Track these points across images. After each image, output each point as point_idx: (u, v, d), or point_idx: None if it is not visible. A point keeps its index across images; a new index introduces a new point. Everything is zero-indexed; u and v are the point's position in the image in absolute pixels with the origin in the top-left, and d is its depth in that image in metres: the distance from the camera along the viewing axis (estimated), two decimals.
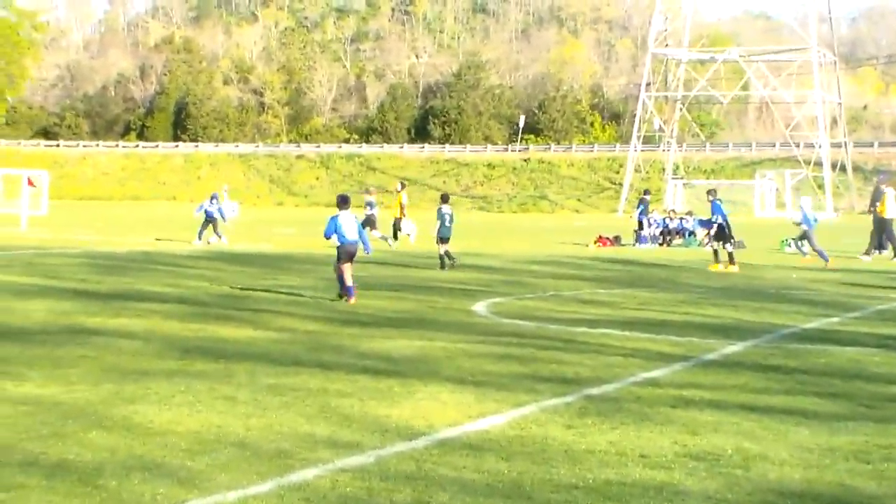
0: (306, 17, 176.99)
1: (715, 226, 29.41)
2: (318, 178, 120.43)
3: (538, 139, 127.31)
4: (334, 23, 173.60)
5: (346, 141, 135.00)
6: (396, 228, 41.35)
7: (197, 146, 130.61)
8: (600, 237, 42.26)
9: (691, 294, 22.58)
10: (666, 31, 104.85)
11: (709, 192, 31.00)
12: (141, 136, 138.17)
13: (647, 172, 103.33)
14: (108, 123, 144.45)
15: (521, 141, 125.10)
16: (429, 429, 9.24)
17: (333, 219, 19.58)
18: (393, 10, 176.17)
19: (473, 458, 8.22)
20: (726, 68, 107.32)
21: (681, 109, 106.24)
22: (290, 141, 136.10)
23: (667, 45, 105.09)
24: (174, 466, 7.84)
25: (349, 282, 19.36)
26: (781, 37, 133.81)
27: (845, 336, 15.59)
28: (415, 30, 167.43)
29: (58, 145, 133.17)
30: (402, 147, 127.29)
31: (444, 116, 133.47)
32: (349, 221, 19.61)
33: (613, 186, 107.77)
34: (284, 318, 16.86)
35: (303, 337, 14.90)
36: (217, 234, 37.14)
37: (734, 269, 28.53)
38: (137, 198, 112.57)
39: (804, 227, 31.84)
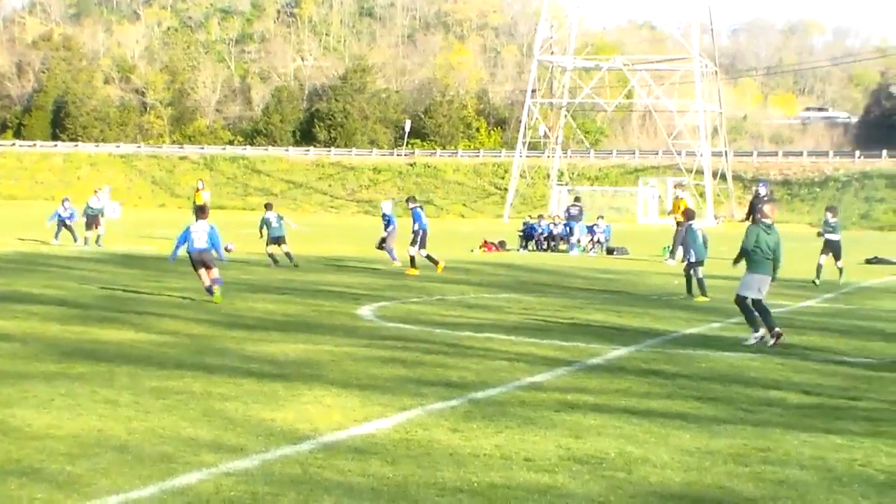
0: (190, 17, 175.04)
1: (420, 233, 29.09)
2: (203, 180, 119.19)
3: (424, 144, 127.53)
4: (219, 23, 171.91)
5: (231, 143, 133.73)
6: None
7: (77, 146, 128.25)
8: (485, 242, 42.49)
9: (576, 299, 22.81)
10: (552, 38, 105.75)
11: (407, 200, 31.09)
12: (18, 135, 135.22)
13: (532, 178, 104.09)
14: None
15: (406, 145, 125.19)
16: (313, 432, 9.20)
17: (186, 229, 20.48)
18: (278, 12, 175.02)
19: (359, 462, 8.20)
20: (611, 76, 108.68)
21: (566, 116, 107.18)
22: (173, 142, 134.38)
23: (552, 52, 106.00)
24: (53, 471, 7.69)
25: (206, 283, 20.02)
26: (665, 47, 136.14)
27: (726, 341, 15.89)
28: (300, 32, 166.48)
29: None
30: (287, 150, 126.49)
31: (330, 119, 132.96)
32: (200, 230, 20.26)
33: (499, 192, 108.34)
34: (168, 321, 16.65)
35: (186, 340, 14.73)
36: (74, 237, 36.92)
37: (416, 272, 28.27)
38: (13, 197, 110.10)
39: None
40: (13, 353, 13.01)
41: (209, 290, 19.96)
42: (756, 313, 15.84)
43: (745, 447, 9.07)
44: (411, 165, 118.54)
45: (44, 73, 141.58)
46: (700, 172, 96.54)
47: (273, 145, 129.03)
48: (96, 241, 36.30)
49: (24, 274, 24.43)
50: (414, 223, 29.36)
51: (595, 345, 15.29)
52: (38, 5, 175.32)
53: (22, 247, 33.89)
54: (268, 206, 31.33)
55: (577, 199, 47.18)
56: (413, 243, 29.05)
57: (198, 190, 43.71)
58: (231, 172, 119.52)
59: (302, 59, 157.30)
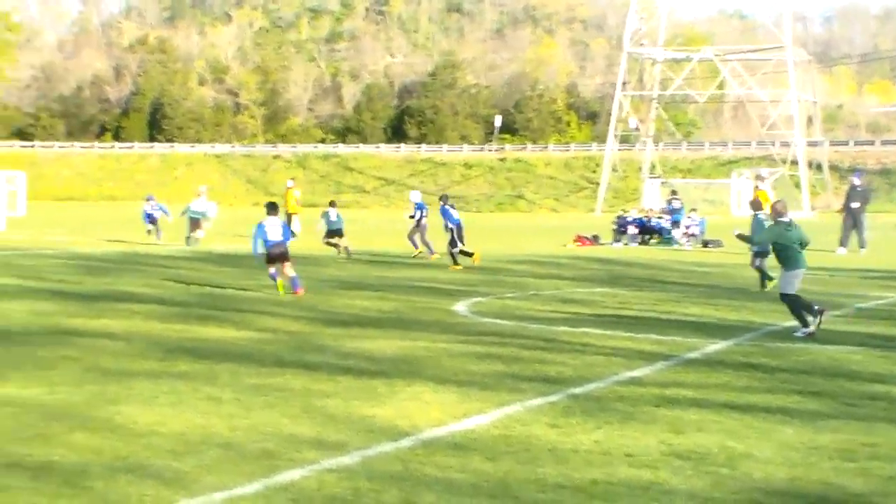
0: (280, 18, 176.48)
1: (454, 230, 29.11)
2: (294, 178, 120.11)
3: (514, 139, 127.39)
4: (309, 23, 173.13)
5: (322, 141, 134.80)
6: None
7: (173, 146, 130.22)
8: (578, 236, 42.32)
9: (672, 293, 22.64)
10: (641, 30, 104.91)
11: (440, 198, 30.95)
12: (116, 137, 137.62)
13: (623, 172, 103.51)
14: (83, 124, 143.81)
15: (497, 140, 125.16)
16: (413, 429, 9.24)
17: (260, 225, 20.92)
18: (367, 9, 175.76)
19: (459, 458, 8.22)
20: (702, 67, 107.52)
21: (657, 108, 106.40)
22: (267, 141, 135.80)
23: (642, 44, 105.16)
24: (160, 467, 7.82)
25: (278, 277, 20.63)
26: (756, 36, 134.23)
27: (826, 334, 15.66)
28: (389, 29, 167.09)
29: (33, 146, 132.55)
30: (378, 147, 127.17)
31: (420, 116, 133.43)
32: (274, 225, 20.92)
33: (590, 186, 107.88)
34: (267, 319, 16.84)
35: (285, 337, 14.88)
36: (157, 234, 37.33)
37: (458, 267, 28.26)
38: (113, 198, 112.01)
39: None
40: (118, 351, 13.25)
41: (273, 277, 20.60)
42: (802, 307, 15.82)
43: (851, 442, 8.94)
44: (502, 161, 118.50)
45: (140, 75, 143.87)
46: (795, 163, 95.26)
47: (364, 143, 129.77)
48: (186, 242, 36.08)
49: (126, 273, 24.85)
50: (446, 222, 29.46)
51: (693, 339, 15.17)
52: (134, 9, 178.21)
53: (123, 247, 34.44)
54: (332, 204, 33.90)
55: (673, 192, 46.72)
56: (451, 243, 29.16)
57: (288, 188, 43.99)
58: (324, 170, 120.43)
59: (391, 56, 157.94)
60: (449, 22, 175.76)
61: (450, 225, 29.29)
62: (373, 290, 21.80)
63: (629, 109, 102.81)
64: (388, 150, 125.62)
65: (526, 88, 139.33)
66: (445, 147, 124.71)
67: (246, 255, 31.62)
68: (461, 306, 19.02)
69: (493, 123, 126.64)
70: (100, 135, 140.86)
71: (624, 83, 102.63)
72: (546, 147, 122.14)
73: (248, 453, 8.27)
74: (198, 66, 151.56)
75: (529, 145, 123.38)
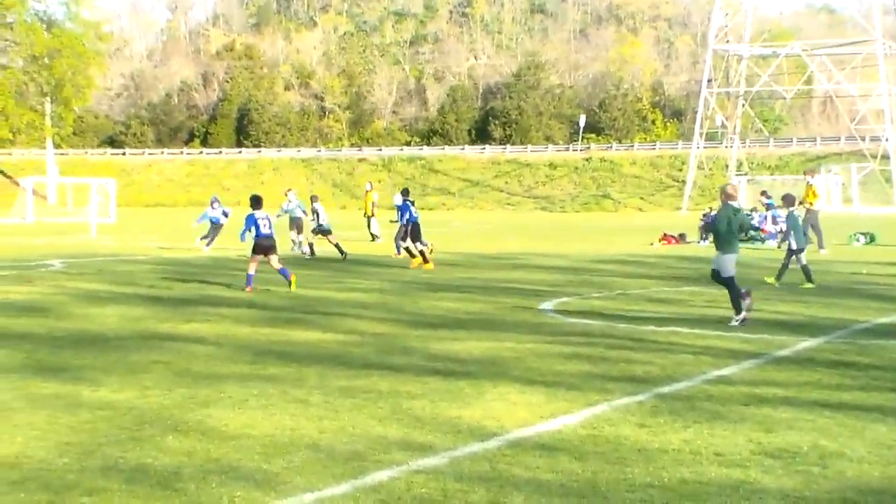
0: (365, 22, 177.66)
1: (409, 225, 29.14)
2: (380, 181, 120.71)
3: (599, 138, 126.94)
4: (393, 26, 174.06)
5: (408, 144, 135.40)
6: (369, 226, 43.19)
7: (260, 151, 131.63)
8: (665, 235, 42.03)
9: (761, 290, 22.36)
10: (726, 26, 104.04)
11: (403, 192, 31.17)
12: (205, 143, 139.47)
13: (710, 169, 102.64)
14: (172, 131, 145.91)
15: (582, 140, 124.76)
16: (500, 429, 9.24)
17: (251, 216, 22.44)
18: (451, 12, 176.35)
19: (547, 459, 8.21)
20: (789, 63, 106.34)
21: (743, 105, 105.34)
22: (352, 145, 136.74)
23: (728, 41, 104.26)
24: (251, 469, 7.90)
25: (251, 272, 22.16)
26: (845, 30, 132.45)
27: None
28: (473, 31, 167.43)
29: (124, 153, 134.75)
30: (463, 149, 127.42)
31: (505, 117, 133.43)
32: (263, 219, 22.41)
33: (676, 184, 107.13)
34: (353, 321, 16.94)
35: (372, 339, 14.95)
36: (210, 239, 35.83)
37: (430, 266, 28.12)
38: (203, 204, 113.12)
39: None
40: (208, 355, 13.41)
41: (249, 278, 22.05)
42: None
43: None
44: (587, 160, 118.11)
45: (227, 82, 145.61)
46: (886, 157, 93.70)
47: (449, 145, 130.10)
48: (299, 247, 35.39)
49: (214, 278, 25.14)
50: (403, 216, 29.74)
51: (782, 336, 14.99)
52: (220, 17, 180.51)
53: (211, 251, 34.82)
54: (313, 199, 35.42)
55: (763, 192, 45.97)
56: (404, 237, 29.48)
57: (367, 192, 44.29)
58: (409, 173, 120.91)
59: (475, 57, 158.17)
60: (532, 22, 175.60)
61: (408, 220, 29.42)
62: (459, 292, 21.84)
63: (715, 107, 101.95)
64: (472, 152, 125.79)
65: (610, 87, 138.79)
66: (530, 148, 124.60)
67: (331, 258, 31.90)
68: (547, 306, 18.98)
69: (577, 123, 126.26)
70: (188, 141, 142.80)
71: (709, 80, 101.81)
72: (631, 146, 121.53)
73: (337, 455, 8.32)
74: (283, 72, 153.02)
75: (615, 144, 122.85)
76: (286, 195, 36.79)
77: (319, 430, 9.16)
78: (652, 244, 40.58)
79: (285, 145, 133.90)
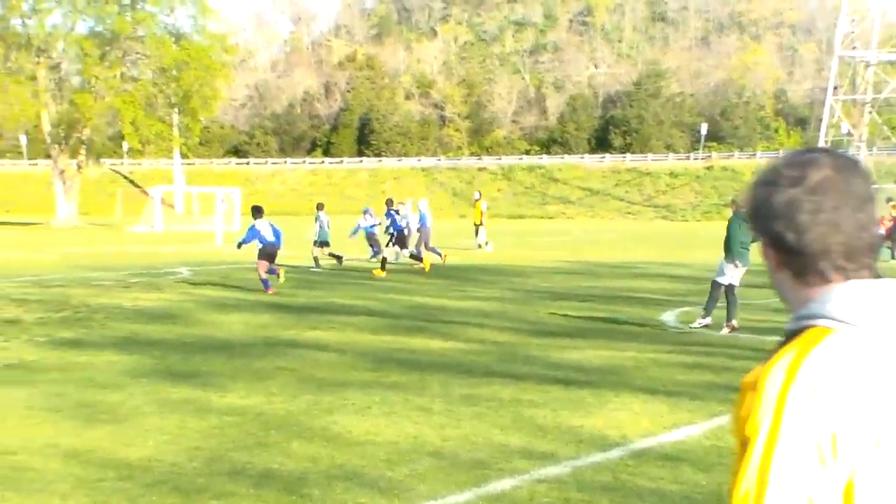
0: (485, 31, 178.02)
1: (396, 234, 31.14)
2: (499, 190, 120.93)
3: (721, 146, 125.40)
4: (513, 35, 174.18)
5: (527, 152, 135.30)
6: (476, 234, 43.44)
7: (381, 161, 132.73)
8: None
9: None
10: (853, 33, 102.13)
11: (386, 202, 33.45)
12: (326, 153, 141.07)
13: None
14: (295, 140, 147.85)
15: (703, 149, 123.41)
16: (623, 439, 9.23)
17: (252, 227, 24.25)
18: (571, 21, 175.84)
19: (670, 469, 8.17)
20: None
21: (870, 112, 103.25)
22: (472, 154, 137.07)
23: (854, 47, 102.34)
24: (374, 476, 8.01)
25: (264, 276, 23.82)
26: None
27: None
28: (593, 40, 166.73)
29: (248, 163, 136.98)
30: (582, 157, 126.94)
31: (625, 125, 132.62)
32: (265, 227, 24.16)
33: None
34: (474, 329, 17.01)
35: (493, 347, 15.01)
36: (374, 249, 35.32)
37: (383, 274, 28.79)
38: (327, 213, 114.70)
39: None
40: (331, 362, 13.59)
41: (266, 283, 23.69)
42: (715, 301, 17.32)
43: None
44: (708, 169, 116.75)
45: (349, 92, 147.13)
46: None
47: (569, 153, 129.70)
48: (396, 257, 35.73)
49: (337, 286, 25.44)
50: (390, 226, 31.66)
51: None
52: (342, 28, 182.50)
53: (333, 260, 35.21)
54: (319, 206, 34.48)
55: (888, 199, 44.96)
56: (394, 244, 31.37)
57: (476, 201, 44.67)
58: (528, 182, 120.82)
59: (595, 66, 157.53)
60: (653, 31, 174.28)
61: (392, 230, 31.38)
62: (579, 300, 21.79)
63: (840, 114, 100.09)
64: (592, 161, 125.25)
65: (732, 95, 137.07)
66: (650, 156, 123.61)
67: (452, 266, 32.04)
68: (669, 316, 18.86)
69: (698, 131, 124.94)
70: (310, 150, 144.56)
71: (835, 87, 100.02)
72: (754, 154, 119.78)
73: (460, 463, 8.39)
74: (404, 82, 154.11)
75: (736, 153, 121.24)
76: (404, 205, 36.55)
77: (442, 438, 9.24)
78: None
79: (406, 154, 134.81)
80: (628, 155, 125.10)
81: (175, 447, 8.93)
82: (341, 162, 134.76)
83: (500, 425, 9.79)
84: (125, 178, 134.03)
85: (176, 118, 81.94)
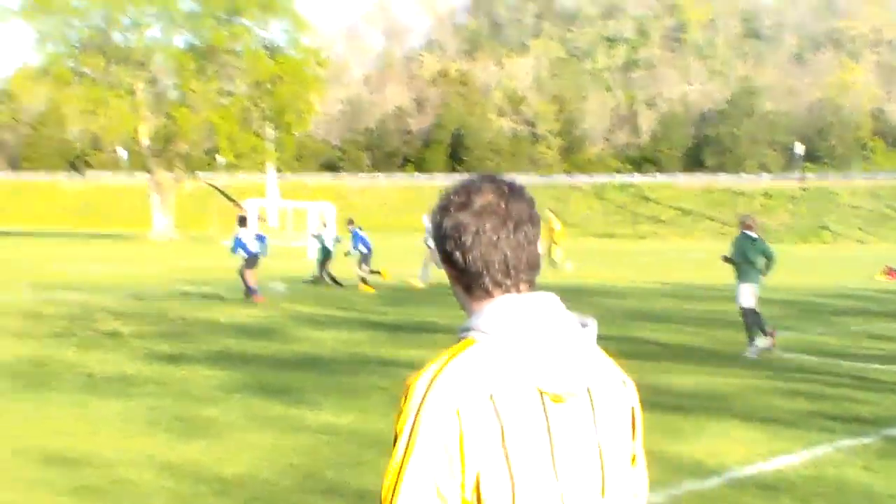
0: (576, 47, 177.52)
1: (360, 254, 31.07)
2: (591, 208, 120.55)
3: (817, 166, 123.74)
4: (605, 52, 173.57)
5: (619, 171, 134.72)
6: (549, 254, 42.92)
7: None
8: (889, 268, 40.62)
9: None
10: None
11: (348, 222, 33.27)
12: (418, 168, 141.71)
13: None
14: (387, 155, 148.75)
15: (799, 169, 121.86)
16: (720, 467, 9.11)
17: (237, 237, 26.17)
18: (663, 37, 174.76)
19: (768, 499, 8.07)
20: None
21: None
22: (563, 171, 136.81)
23: None
24: None
25: (252, 284, 25.65)
26: None
27: None
28: (686, 57, 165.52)
29: (340, 177, 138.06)
30: (675, 176, 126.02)
31: (718, 144, 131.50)
32: (249, 237, 26.14)
33: None
34: None
35: None
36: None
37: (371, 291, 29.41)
38: (417, 228, 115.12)
39: None
40: None
41: (254, 292, 25.52)
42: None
43: None
44: (804, 190, 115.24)
45: (441, 107, 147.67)
46: None
47: (661, 172, 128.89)
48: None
49: (428, 304, 25.48)
50: (357, 244, 31.41)
51: None
52: (434, 43, 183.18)
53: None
54: (350, 222, 33.22)
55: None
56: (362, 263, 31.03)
57: (548, 220, 45.20)
58: (620, 200, 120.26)
59: (688, 83, 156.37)
60: (747, 48, 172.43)
61: (363, 249, 31.21)
62: (672, 322, 21.60)
63: None
64: (685, 180, 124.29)
65: (828, 114, 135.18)
66: (744, 176, 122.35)
67: (543, 286, 31.90)
68: (765, 341, 18.57)
69: (793, 151, 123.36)
70: (402, 166, 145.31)
71: None
72: (851, 175, 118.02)
73: None
74: (496, 98, 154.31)
75: (832, 173, 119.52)
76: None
77: None
78: (874, 277, 39.30)
79: (497, 171, 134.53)
80: (721, 174, 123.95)
81: (269, 464, 8.99)
82: (433, 177, 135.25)
83: None
84: (220, 191, 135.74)
85: (270, 132, 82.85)
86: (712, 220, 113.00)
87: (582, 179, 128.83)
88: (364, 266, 31.01)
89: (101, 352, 15.92)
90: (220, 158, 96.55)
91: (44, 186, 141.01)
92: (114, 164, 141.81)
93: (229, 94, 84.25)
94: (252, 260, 25.94)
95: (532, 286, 2.48)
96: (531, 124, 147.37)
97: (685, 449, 9.79)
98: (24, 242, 65.89)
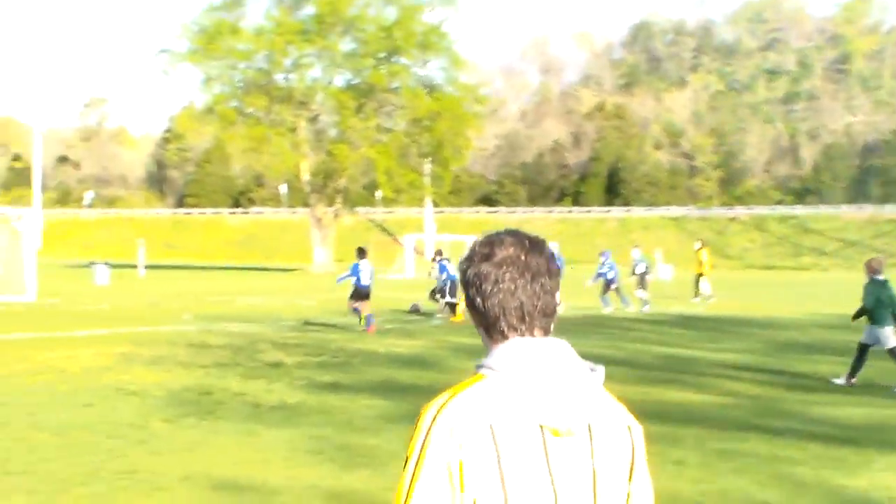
0: (736, 80, 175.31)
1: (449, 284, 31.47)
2: (751, 241, 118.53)
3: None
4: (765, 84, 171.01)
5: (780, 202, 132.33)
6: (696, 285, 43.13)
7: (629, 210, 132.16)
8: None
9: None
10: None
11: (436, 254, 34.32)
12: (575, 202, 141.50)
13: None
14: (543, 190, 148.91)
15: None
16: (890, 501, 8.87)
17: (355, 265, 26.58)
18: (826, 69, 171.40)
19: None
20: None
21: None
22: (722, 203, 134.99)
23: None
24: None
25: (366, 311, 26.10)
26: None
27: None
28: (850, 88, 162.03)
29: (497, 211, 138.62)
30: (838, 208, 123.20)
31: (884, 175, 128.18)
32: (366, 268, 26.49)
33: None
34: (728, 382, 16.67)
35: (747, 401, 14.67)
36: (622, 299, 35.46)
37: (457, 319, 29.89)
38: (572, 261, 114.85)
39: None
40: None
41: (362, 317, 26.07)
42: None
43: None
44: None
45: (598, 141, 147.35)
46: None
47: (824, 203, 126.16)
48: (644, 305, 35.68)
49: (584, 334, 25.36)
50: (441, 273, 32.17)
51: None
52: (591, 78, 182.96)
53: (584, 309, 35.17)
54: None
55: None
56: (445, 294, 31.43)
57: (697, 250, 45.02)
58: (781, 232, 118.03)
59: (852, 115, 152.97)
60: None
61: (445, 278, 31.63)
62: (836, 354, 21.06)
63: None
64: (849, 211, 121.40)
65: None
66: None
67: (701, 317, 31.55)
68: None
69: None
70: (559, 199, 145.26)
71: None
72: None
73: None
74: (653, 131, 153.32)
75: None
76: (435, 260, 35.47)
77: (700, 494, 9.09)
78: None
79: (654, 204, 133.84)
80: (888, 205, 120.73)
81: None
82: (590, 211, 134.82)
83: (757, 482, 9.56)
84: (378, 226, 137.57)
85: (428, 167, 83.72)
86: (879, 251, 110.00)
87: (741, 211, 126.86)
88: (447, 297, 31.49)
89: (264, 381, 16.25)
90: (378, 193, 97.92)
91: (208, 221, 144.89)
92: (275, 200, 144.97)
93: (388, 130, 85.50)
94: (362, 291, 26.39)
95: (546, 332, 2.68)
96: (689, 157, 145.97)
97: (852, 482, 9.56)
98: (189, 276, 67.76)
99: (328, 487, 9.25)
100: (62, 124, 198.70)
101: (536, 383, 2.52)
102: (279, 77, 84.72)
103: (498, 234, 2.77)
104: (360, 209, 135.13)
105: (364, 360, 19.19)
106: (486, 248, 2.71)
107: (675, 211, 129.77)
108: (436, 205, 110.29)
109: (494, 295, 2.65)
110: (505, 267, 2.66)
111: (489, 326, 2.68)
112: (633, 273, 37.32)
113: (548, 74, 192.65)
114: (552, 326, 2.70)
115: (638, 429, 2.79)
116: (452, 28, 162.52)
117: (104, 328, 25.43)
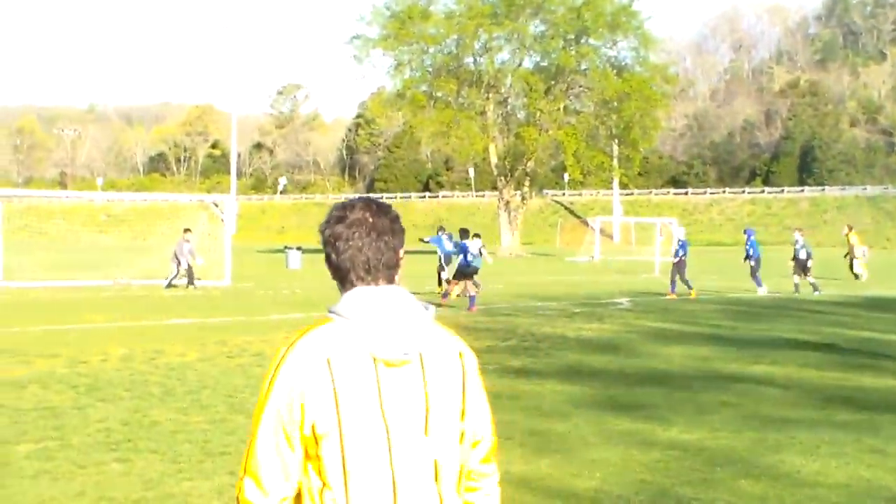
0: None
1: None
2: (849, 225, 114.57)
3: None
4: None
5: None
6: (851, 269, 43.44)
7: (823, 189, 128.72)
8: None
9: None
10: None
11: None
12: (766, 182, 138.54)
13: None
14: (733, 170, 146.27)
15: None
16: None
17: (462, 244, 27.74)
18: None
19: None
20: None
21: None
22: None
23: None
24: None
25: (472, 291, 26.71)
26: None
27: None
28: None
29: (686, 193, 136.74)
30: None
31: None
32: (475, 247, 27.44)
33: None
34: None
35: None
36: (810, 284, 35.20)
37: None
38: (762, 242, 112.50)
39: None
40: (775, 398, 13.29)
41: (451, 293, 27.80)
42: None
43: None
44: None
45: (790, 119, 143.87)
46: None
47: None
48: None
49: (780, 319, 24.86)
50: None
51: None
52: (784, 54, 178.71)
53: (773, 292, 34.43)
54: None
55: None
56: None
57: (846, 234, 43.96)
58: None
59: None
60: None
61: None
62: None
63: None
64: None
65: None
66: None
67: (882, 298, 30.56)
68: None
69: None
70: (749, 180, 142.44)
71: None
72: None
73: None
74: (849, 107, 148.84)
75: None
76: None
77: None
78: None
79: (850, 183, 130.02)
80: None
81: (621, 479, 9.02)
82: (781, 191, 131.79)
83: None
84: (566, 208, 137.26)
85: (616, 149, 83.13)
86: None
87: None
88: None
89: None
90: (565, 176, 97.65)
91: (398, 206, 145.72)
92: (463, 184, 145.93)
93: (576, 112, 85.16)
94: (466, 269, 27.44)
95: (390, 282, 3.16)
96: (888, 134, 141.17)
97: None
98: None
99: (519, 472, 9.27)
100: (257, 111, 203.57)
101: (372, 322, 3.00)
102: (468, 60, 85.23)
103: (351, 201, 3.23)
104: (548, 192, 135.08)
105: (552, 345, 19.20)
106: (341, 212, 3.18)
107: (871, 190, 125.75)
108: (624, 186, 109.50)
109: (346, 251, 3.13)
110: (354, 227, 3.13)
111: (342, 278, 3.16)
112: (795, 258, 35.80)
113: (739, 51, 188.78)
114: (396, 277, 3.18)
115: (470, 354, 3.25)
116: (642, 6, 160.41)
117: (297, 312, 26.06)
